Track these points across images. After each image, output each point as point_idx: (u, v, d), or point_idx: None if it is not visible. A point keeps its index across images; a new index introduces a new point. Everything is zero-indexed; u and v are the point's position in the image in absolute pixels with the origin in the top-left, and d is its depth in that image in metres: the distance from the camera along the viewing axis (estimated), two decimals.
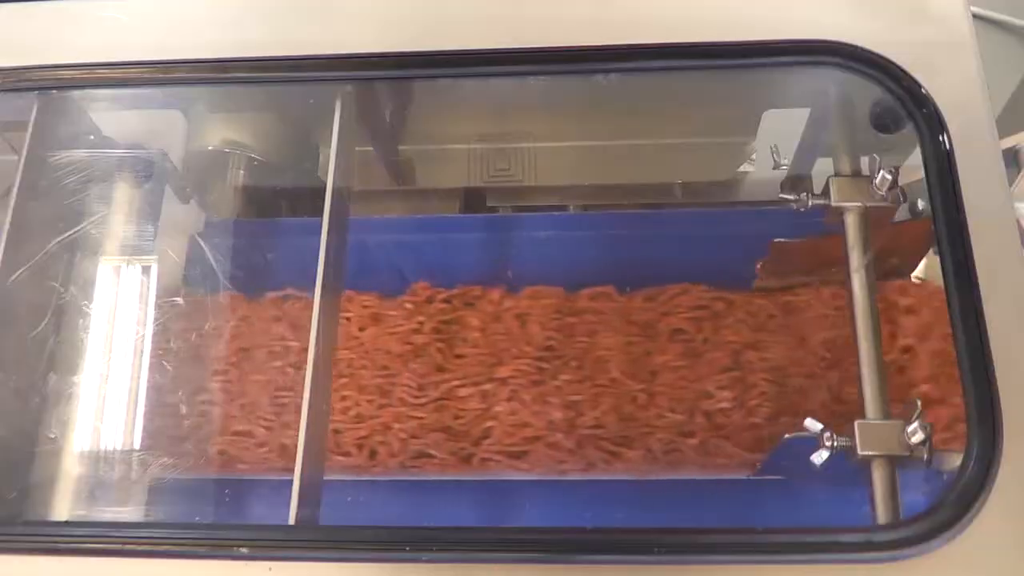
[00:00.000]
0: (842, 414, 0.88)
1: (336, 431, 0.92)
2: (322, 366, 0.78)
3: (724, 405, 0.91)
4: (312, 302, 0.78)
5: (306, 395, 0.75)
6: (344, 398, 0.94)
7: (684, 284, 0.97)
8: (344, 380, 0.95)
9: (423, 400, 0.94)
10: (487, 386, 0.93)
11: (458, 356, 0.96)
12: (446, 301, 0.98)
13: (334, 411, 0.93)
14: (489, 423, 0.92)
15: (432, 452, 0.91)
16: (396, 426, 0.92)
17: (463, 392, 0.93)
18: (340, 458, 0.91)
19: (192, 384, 0.94)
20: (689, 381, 0.92)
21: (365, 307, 0.98)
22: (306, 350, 0.77)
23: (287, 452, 0.92)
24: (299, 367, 0.95)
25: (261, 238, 1.05)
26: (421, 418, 0.93)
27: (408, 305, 0.98)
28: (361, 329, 0.97)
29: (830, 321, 0.94)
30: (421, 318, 0.97)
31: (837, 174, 0.82)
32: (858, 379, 0.74)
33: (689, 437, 0.90)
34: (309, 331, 0.77)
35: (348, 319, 0.98)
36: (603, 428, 0.91)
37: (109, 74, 0.82)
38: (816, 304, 0.95)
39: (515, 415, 0.92)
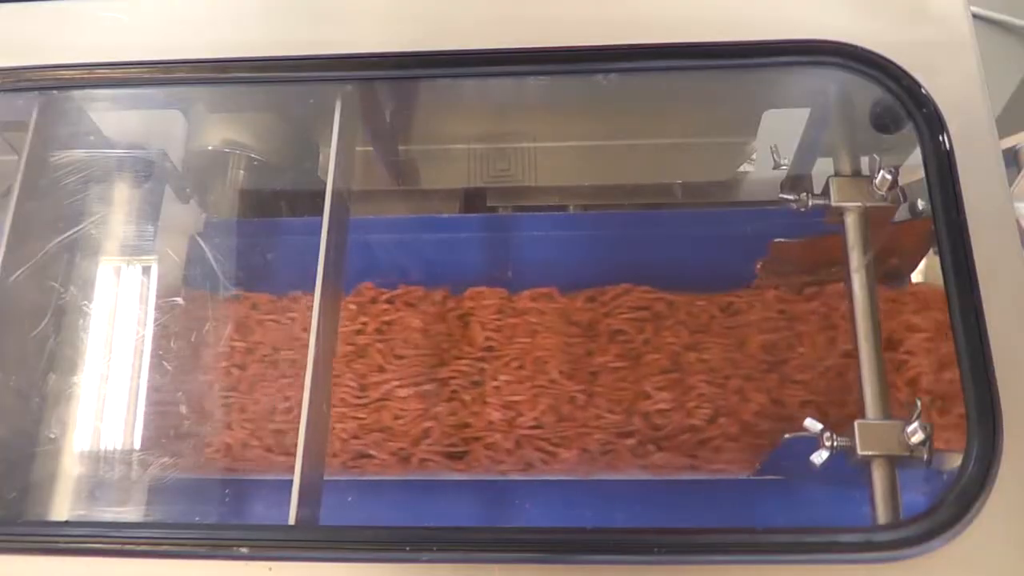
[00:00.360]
0: (781, 416, 0.89)
1: (279, 431, 0.92)
2: (322, 366, 0.78)
3: (662, 406, 0.90)
4: (312, 302, 0.78)
5: (306, 395, 0.75)
6: (288, 398, 0.94)
7: (626, 285, 0.97)
8: (288, 381, 0.95)
9: (364, 400, 0.93)
10: (427, 386, 0.93)
11: (399, 357, 0.95)
12: (389, 302, 0.98)
13: (277, 412, 0.93)
14: (428, 423, 0.92)
15: (372, 453, 0.91)
16: (338, 426, 0.92)
17: (403, 392, 0.93)
18: (282, 458, 0.91)
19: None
20: (628, 382, 0.92)
21: (311, 308, 0.98)
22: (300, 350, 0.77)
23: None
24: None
25: (261, 238, 1.05)
26: (362, 418, 0.93)
27: (352, 306, 0.98)
28: (305, 330, 0.97)
29: (772, 324, 0.94)
30: (365, 319, 0.97)
31: (837, 174, 0.82)
32: (858, 379, 0.74)
33: (627, 438, 0.90)
34: (308, 331, 0.77)
35: (293, 319, 0.98)
36: (541, 428, 0.91)
37: (109, 74, 0.82)
38: (758, 306, 0.95)
39: (454, 415, 0.92)
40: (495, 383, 0.93)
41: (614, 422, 0.90)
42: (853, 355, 0.88)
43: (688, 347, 0.93)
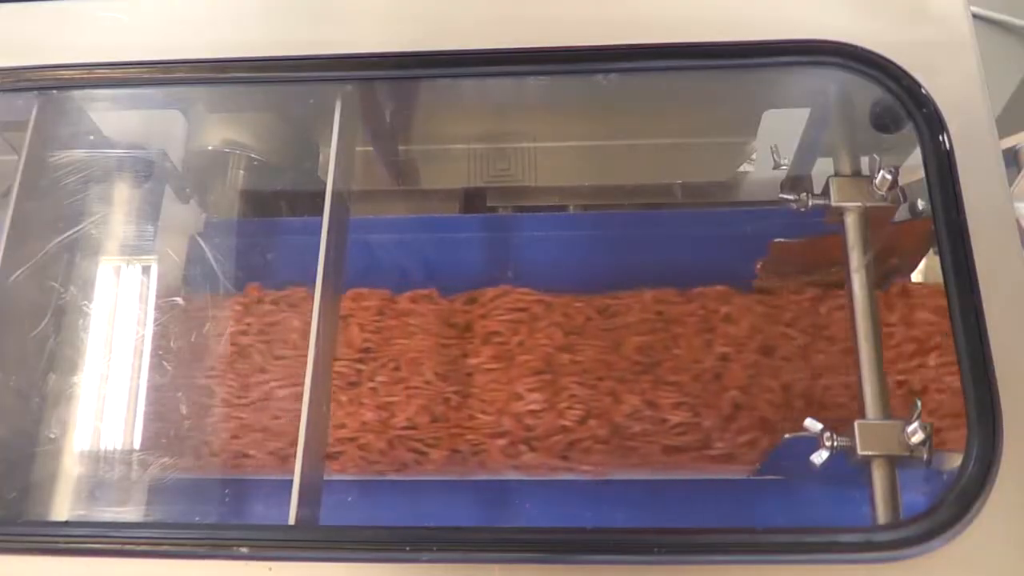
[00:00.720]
0: (652, 419, 0.89)
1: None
2: (322, 366, 0.78)
3: (534, 407, 0.90)
4: (311, 301, 0.78)
5: (306, 395, 0.75)
6: (175, 399, 0.94)
7: (505, 286, 0.97)
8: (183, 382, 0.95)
9: (244, 401, 0.94)
10: None
11: (278, 357, 0.96)
12: (274, 303, 0.99)
13: (164, 412, 0.93)
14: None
15: (251, 452, 0.92)
16: (220, 426, 0.93)
17: (282, 393, 0.94)
18: (165, 459, 0.92)
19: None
20: (501, 384, 0.92)
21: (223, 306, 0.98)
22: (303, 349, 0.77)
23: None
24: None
25: (261, 238, 1.05)
26: (242, 418, 0.93)
27: (238, 307, 0.98)
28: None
29: (648, 325, 0.94)
30: (250, 320, 0.98)
31: (837, 174, 0.82)
32: (858, 379, 0.74)
33: (498, 438, 0.90)
34: (309, 331, 0.78)
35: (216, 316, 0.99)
36: (415, 429, 0.91)
37: (109, 74, 0.82)
38: (636, 308, 0.95)
39: (331, 416, 0.91)
40: (371, 384, 0.93)
41: (486, 423, 0.91)
42: (731, 359, 0.91)
43: (562, 348, 0.93)
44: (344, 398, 0.93)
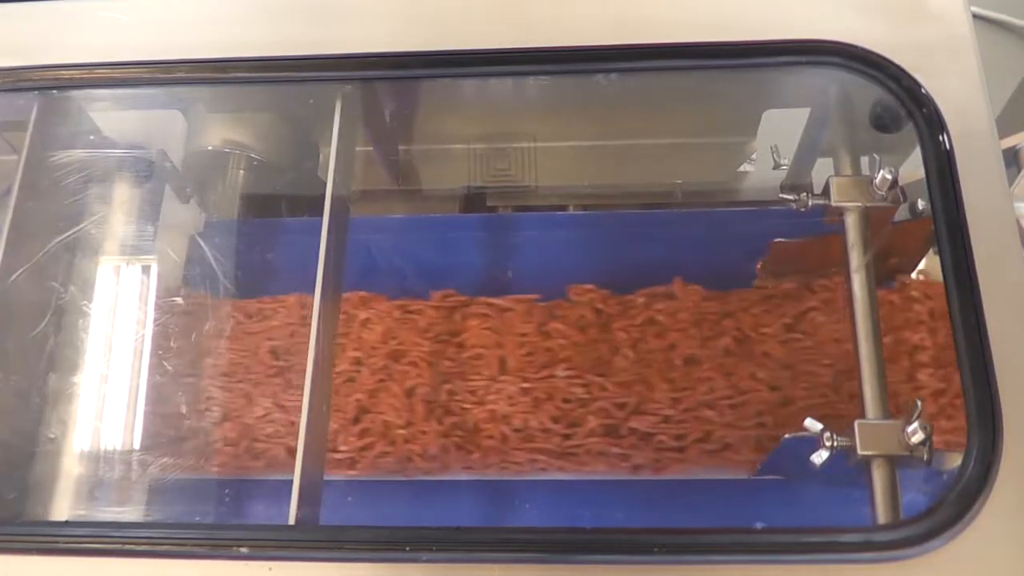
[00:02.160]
0: (282, 421, 0.92)
1: None
2: (322, 367, 0.78)
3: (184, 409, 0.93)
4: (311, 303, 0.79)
5: (306, 395, 0.75)
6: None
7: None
8: None
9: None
10: None
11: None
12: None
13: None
14: None
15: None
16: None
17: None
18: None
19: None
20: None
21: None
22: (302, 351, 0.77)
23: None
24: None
25: (261, 238, 1.05)
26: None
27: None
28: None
29: (288, 329, 0.96)
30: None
31: (837, 174, 0.82)
32: (858, 379, 0.74)
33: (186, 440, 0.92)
34: (309, 332, 0.78)
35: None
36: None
37: (109, 74, 0.82)
38: (281, 312, 0.97)
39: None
40: None
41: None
42: (363, 363, 0.93)
43: (206, 352, 0.95)
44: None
